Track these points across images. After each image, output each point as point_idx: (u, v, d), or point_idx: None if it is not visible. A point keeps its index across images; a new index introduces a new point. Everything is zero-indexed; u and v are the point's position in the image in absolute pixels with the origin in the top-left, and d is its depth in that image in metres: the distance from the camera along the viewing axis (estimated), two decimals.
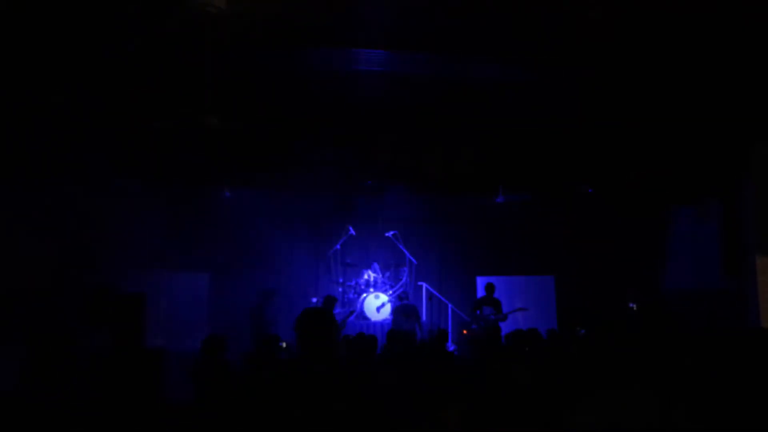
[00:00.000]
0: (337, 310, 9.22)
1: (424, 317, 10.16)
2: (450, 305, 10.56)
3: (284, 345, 9.16)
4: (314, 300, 10.24)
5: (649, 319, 9.91)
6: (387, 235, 10.66)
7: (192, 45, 5.51)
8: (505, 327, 9.04)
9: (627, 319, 9.88)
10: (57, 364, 3.41)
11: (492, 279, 10.18)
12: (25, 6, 4.93)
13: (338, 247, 10.56)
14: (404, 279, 10.71)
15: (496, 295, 9.56)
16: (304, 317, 5.16)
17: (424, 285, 10.67)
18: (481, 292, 10.33)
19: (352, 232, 10.56)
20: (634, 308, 9.92)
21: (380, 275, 10.60)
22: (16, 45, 5.52)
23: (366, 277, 10.55)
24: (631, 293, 10.32)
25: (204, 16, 4.86)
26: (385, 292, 10.44)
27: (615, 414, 2.72)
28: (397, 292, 10.43)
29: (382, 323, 10.03)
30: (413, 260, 10.72)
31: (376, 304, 10.20)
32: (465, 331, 9.76)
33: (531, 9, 5.27)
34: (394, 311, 9.70)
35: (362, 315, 10.17)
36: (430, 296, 10.66)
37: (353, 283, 10.55)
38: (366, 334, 6.28)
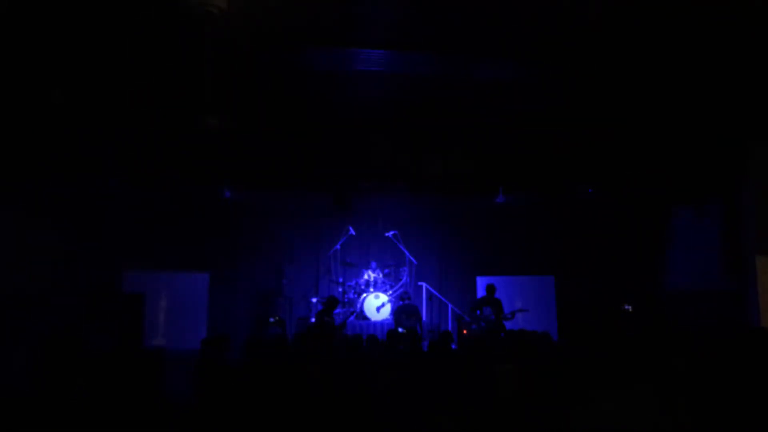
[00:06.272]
0: (338, 310, 9.23)
1: (424, 317, 10.17)
2: (450, 305, 10.56)
3: (273, 320, 9.24)
4: (314, 300, 10.24)
5: (648, 319, 9.89)
6: (387, 235, 10.66)
7: (192, 45, 5.51)
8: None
9: (622, 321, 9.86)
10: (65, 365, 3.41)
11: (492, 279, 10.17)
12: (26, 4, 4.93)
13: (338, 247, 10.56)
14: (404, 279, 10.71)
15: (496, 295, 9.57)
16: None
17: (424, 285, 10.67)
18: (481, 292, 10.33)
19: (352, 232, 10.56)
20: (630, 310, 9.88)
21: (379, 274, 10.60)
22: (18, 43, 5.52)
23: (366, 277, 10.56)
24: (627, 294, 10.29)
25: (204, 15, 4.86)
26: (385, 292, 10.44)
27: (615, 414, 2.73)
28: (397, 292, 10.43)
29: (382, 323, 10.03)
30: (413, 260, 10.72)
31: (376, 304, 10.20)
32: (465, 331, 9.76)
33: (531, 8, 5.27)
34: (396, 311, 9.69)
35: (362, 315, 10.17)
36: (430, 296, 10.66)
37: (353, 283, 10.55)
38: (366, 334, 6.28)
